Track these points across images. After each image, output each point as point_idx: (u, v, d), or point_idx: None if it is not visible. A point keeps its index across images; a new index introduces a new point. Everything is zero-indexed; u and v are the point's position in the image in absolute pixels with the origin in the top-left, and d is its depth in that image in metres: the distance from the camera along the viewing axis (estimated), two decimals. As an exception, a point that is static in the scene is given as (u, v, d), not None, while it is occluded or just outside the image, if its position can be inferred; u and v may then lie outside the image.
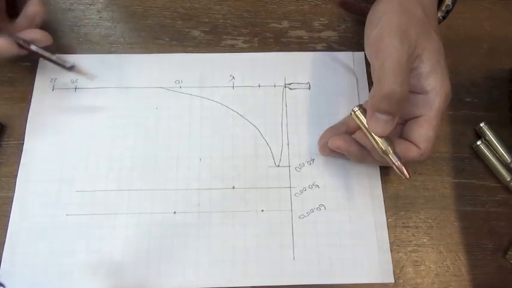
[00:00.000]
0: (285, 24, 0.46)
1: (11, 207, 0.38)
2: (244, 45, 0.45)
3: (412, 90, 0.34)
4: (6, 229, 0.37)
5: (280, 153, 0.40)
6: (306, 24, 0.46)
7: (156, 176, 0.39)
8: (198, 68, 0.43)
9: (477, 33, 0.46)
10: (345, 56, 0.44)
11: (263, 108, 0.42)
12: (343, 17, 0.46)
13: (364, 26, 0.37)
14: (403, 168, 0.33)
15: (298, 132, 0.41)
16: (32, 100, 0.41)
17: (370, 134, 0.34)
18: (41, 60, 0.43)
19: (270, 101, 0.42)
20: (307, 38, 0.45)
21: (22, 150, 0.40)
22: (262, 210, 0.38)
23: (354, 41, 0.45)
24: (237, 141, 0.41)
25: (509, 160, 0.40)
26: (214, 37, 0.45)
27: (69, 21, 0.45)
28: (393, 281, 0.37)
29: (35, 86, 0.42)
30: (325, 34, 0.45)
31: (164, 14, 0.46)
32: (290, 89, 0.43)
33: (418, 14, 0.34)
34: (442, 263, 0.37)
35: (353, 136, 0.36)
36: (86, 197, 0.38)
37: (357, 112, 0.35)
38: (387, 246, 0.38)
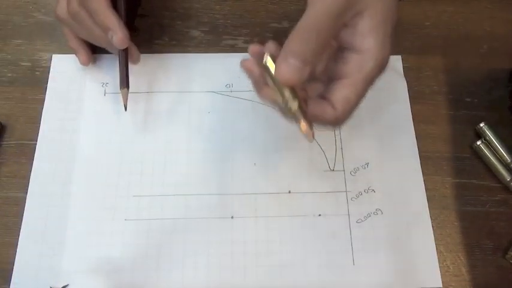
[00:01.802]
0: (285, 24, 0.46)
1: (13, 207, 0.38)
2: (244, 45, 0.45)
3: (347, 47, 0.31)
4: (6, 229, 0.37)
5: (334, 158, 0.40)
6: (306, 24, 0.46)
7: (211, 180, 0.39)
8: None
9: (477, 33, 0.46)
10: (394, 60, 0.43)
11: None
12: (343, 17, 0.46)
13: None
14: (307, 126, 0.30)
15: (351, 136, 0.41)
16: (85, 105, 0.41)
17: (279, 87, 0.29)
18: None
19: None
20: (307, 38, 0.45)
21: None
22: (320, 215, 0.38)
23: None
24: (290, 146, 0.40)
25: (509, 160, 0.40)
26: (214, 37, 0.45)
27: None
28: (441, 286, 0.36)
29: (86, 89, 0.42)
30: (325, 34, 0.45)
31: (164, 14, 0.46)
32: None
33: None
34: (442, 263, 0.37)
35: (262, 92, 0.32)
36: (144, 201, 0.38)
37: (267, 61, 0.30)
38: (434, 250, 0.37)
